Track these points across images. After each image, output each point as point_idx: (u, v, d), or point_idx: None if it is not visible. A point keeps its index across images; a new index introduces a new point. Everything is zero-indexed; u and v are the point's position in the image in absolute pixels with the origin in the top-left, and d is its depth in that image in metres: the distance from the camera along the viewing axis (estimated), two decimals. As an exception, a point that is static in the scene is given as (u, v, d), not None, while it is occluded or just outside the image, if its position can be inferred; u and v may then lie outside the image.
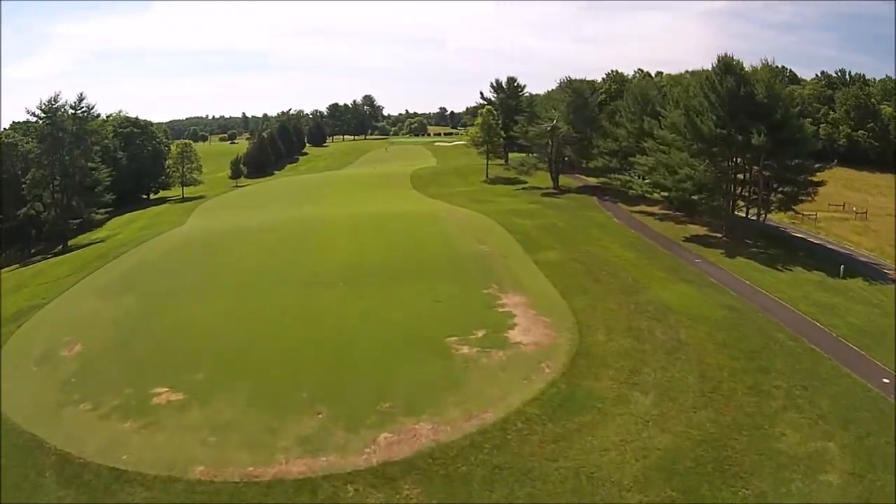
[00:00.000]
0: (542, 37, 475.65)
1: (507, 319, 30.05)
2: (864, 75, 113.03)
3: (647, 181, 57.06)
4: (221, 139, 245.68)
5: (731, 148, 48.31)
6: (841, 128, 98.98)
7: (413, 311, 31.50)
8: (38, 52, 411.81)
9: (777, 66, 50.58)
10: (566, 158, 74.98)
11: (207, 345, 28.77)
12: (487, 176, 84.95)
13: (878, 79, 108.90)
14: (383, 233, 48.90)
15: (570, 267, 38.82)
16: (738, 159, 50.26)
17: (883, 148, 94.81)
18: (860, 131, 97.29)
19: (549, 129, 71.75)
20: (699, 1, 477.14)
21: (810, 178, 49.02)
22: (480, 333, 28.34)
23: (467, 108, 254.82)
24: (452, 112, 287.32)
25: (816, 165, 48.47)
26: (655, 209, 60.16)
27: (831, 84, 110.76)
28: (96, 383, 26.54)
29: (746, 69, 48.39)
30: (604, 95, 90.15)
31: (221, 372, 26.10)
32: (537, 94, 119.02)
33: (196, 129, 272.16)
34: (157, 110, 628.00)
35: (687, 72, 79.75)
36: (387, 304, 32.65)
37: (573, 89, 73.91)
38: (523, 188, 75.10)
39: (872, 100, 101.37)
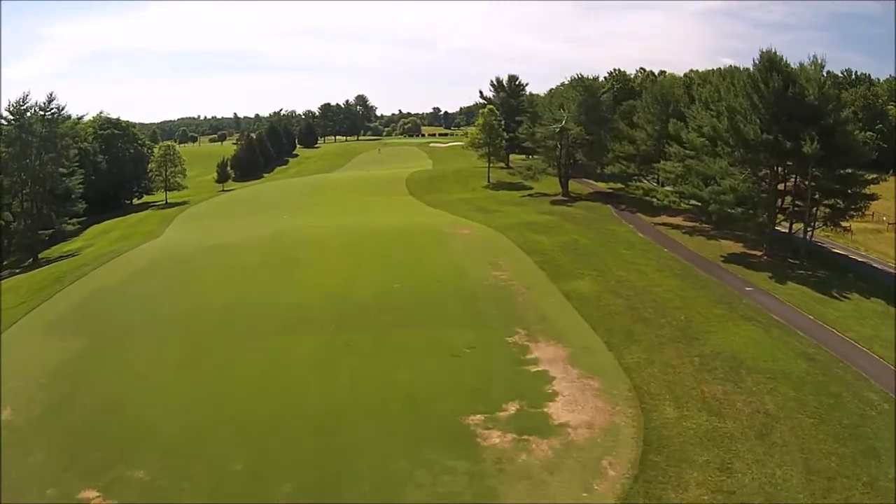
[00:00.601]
0: (533, 36, 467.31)
1: (544, 384, 23.03)
2: (869, 75, 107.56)
3: (673, 190, 50.38)
4: (212, 140, 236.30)
5: (774, 156, 41.67)
6: (849, 129, 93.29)
7: (421, 371, 24.42)
8: (31, 53, 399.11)
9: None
10: (576, 162, 67.62)
11: (155, 423, 21.65)
12: (489, 181, 77.81)
13: (882, 79, 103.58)
14: (379, 254, 41.43)
15: (607, 301, 31.76)
16: (779, 168, 43.65)
17: (891, 149, 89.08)
18: (868, 132, 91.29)
19: (557, 130, 64.60)
20: (692, 1, 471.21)
21: (861, 191, 42.47)
22: (513, 408, 21.35)
23: (461, 108, 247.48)
24: (446, 112, 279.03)
25: (872, 177, 41.90)
26: (679, 220, 53.40)
27: (837, 84, 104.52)
28: (16, 472, 19.86)
29: (793, 67, 41.71)
30: (608, 95, 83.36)
31: (167, 469, 19.07)
32: (537, 94, 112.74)
33: (186, 129, 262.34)
34: (150, 111, 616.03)
35: (693, 70, 72.77)
36: (386, 359, 25.58)
37: (585, 87, 66.57)
38: (530, 195, 67.95)
39: (880, 100, 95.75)
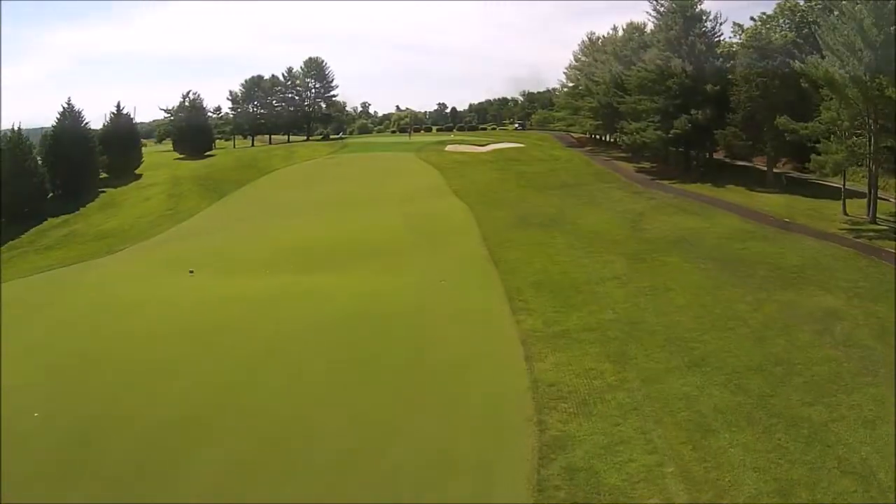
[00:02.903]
0: (520, 37, 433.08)
1: None
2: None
3: None
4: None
5: None
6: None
7: None
8: (18, 59, 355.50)
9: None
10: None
11: None
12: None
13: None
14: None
15: None
16: None
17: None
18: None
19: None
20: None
21: None
22: None
23: (471, 105, 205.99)
24: (454, 109, 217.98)
25: None
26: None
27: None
28: None
29: None
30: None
31: None
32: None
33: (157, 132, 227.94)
34: (138, 115, 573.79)
35: None
36: None
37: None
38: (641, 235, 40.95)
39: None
